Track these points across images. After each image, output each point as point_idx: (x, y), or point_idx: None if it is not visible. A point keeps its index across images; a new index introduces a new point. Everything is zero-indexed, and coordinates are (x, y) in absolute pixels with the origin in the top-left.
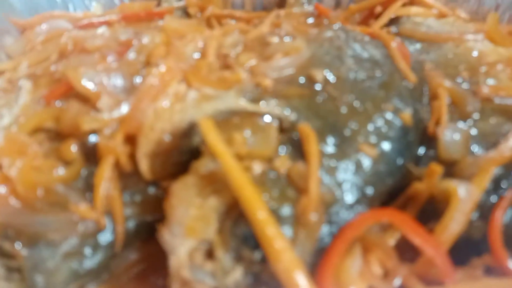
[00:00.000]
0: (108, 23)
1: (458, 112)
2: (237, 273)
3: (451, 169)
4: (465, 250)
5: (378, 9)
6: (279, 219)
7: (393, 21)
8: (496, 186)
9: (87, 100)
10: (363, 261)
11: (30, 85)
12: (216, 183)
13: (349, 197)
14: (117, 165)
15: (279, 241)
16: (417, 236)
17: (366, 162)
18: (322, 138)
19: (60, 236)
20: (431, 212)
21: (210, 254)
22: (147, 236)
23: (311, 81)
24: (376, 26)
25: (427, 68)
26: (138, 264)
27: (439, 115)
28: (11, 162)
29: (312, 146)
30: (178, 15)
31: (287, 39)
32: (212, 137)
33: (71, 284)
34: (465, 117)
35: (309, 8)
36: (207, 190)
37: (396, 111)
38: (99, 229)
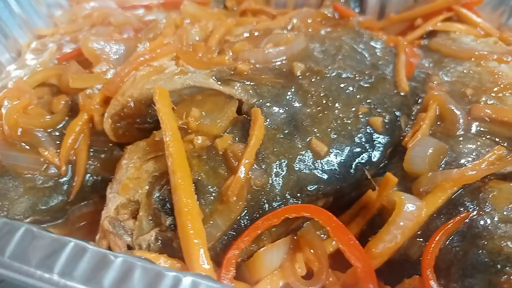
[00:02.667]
0: (148, 7)
1: (445, 127)
2: (151, 235)
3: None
4: (404, 269)
5: (419, 22)
6: (201, 193)
7: (431, 34)
8: (452, 208)
9: (88, 65)
10: (289, 257)
11: (55, 48)
12: (160, 150)
13: (283, 188)
14: (91, 123)
15: (189, 210)
16: (343, 242)
17: (313, 159)
18: (276, 126)
19: (27, 172)
20: (380, 224)
21: (135, 214)
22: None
23: (290, 72)
24: (410, 37)
25: (432, 80)
26: (92, 216)
27: (418, 127)
28: (8, 103)
29: (255, 130)
30: (214, 6)
31: (285, 32)
32: (162, 104)
33: (29, 217)
34: (449, 134)
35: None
36: (150, 155)
37: (367, 115)
38: (60, 175)
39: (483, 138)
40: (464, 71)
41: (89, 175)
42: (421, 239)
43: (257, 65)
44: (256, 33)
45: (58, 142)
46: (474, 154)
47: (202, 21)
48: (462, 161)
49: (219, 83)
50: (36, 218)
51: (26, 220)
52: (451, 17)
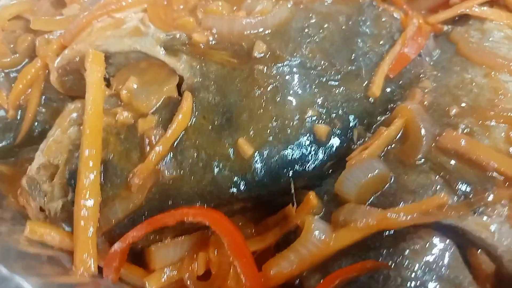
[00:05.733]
0: None
1: (402, 150)
2: (58, 204)
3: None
4: None
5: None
6: (109, 174)
7: (464, 18)
8: (363, 250)
9: (61, 4)
10: (192, 253)
11: None
12: None
13: (193, 186)
14: (47, 70)
15: (86, 192)
16: (236, 257)
17: (235, 160)
18: (207, 116)
19: None
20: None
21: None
22: None
23: (249, 52)
24: (434, 19)
25: (420, 86)
26: None
27: (370, 145)
28: None
29: (177, 118)
30: None
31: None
32: (92, 70)
33: None
34: (403, 160)
35: None
36: (78, 120)
37: (316, 119)
38: (9, 117)
39: (437, 176)
40: (466, 80)
41: (37, 122)
42: (320, 275)
43: (219, 36)
44: None
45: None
46: (419, 191)
47: None
48: (400, 197)
49: (166, 53)
50: None
51: None
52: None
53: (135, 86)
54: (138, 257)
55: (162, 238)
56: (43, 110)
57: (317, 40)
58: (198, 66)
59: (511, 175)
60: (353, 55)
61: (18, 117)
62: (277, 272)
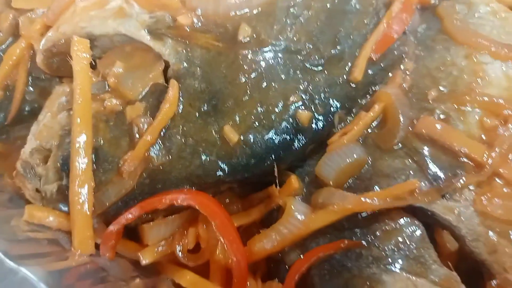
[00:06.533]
0: None
1: (380, 136)
2: (53, 187)
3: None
4: (280, 272)
5: None
6: (101, 160)
7: None
8: (339, 230)
9: None
10: (182, 229)
11: None
12: None
13: (182, 171)
14: (32, 50)
15: (80, 180)
16: (224, 237)
17: (221, 147)
18: (193, 103)
19: None
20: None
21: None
22: None
23: (234, 35)
24: None
25: (401, 68)
26: None
27: (349, 129)
28: None
29: (164, 107)
30: None
31: None
32: (78, 58)
33: None
34: (381, 145)
35: None
36: (67, 105)
37: (299, 105)
38: None
39: (411, 161)
40: (446, 62)
41: (26, 101)
42: (299, 251)
43: (204, 17)
44: None
45: None
46: (394, 176)
47: None
48: (376, 181)
49: (151, 37)
50: None
51: None
52: None
53: (121, 70)
54: (132, 231)
55: (154, 217)
56: (31, 89)
57: (302, 21)
58: (183, 51)
59: (480, 160)
60: (337, 36)
61: (7, 96)
62: (260, 248)
